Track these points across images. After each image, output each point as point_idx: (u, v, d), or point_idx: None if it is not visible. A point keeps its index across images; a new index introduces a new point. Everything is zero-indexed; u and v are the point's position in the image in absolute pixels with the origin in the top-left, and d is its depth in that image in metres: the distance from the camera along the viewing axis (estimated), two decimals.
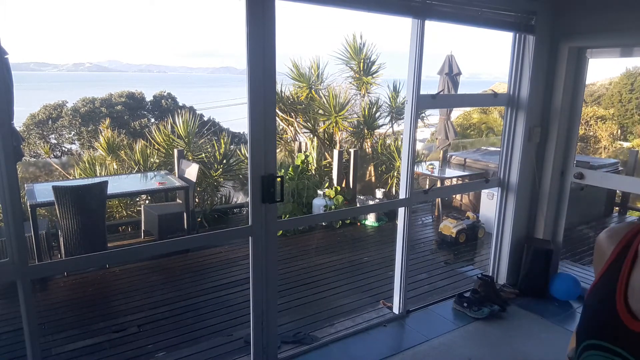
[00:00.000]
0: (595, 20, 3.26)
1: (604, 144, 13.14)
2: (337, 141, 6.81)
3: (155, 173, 5.83)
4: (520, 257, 3.87)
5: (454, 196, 6.71)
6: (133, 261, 4.52)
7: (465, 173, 6.45)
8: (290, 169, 6.06)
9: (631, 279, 0.69)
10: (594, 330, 0.71)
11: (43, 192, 4.38)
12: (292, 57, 6.76)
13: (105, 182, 4.22)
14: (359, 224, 5.94)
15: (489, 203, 5.53)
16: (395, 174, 6.49)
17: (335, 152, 6.33)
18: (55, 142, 13.65)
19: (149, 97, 15.72)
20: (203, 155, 6.33)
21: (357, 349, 3.11)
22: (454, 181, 6.35)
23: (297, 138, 7.09)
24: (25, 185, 4.79)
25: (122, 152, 6.37)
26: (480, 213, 5.74)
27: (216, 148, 6.46)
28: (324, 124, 6.70)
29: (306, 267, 4.59)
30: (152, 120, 14.56)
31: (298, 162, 6.26)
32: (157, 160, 6.35)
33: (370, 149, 6.96)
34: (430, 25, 2.95)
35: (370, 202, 5.93)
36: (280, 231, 5.00)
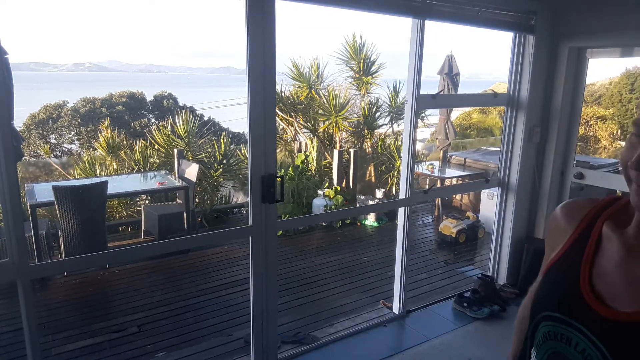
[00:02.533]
0: (595, 20, 3.26)
1: (604, 143, 13.11)
2: (337, 141, 6.80)
3: (155, 173, 5.84)
4: (520, 257, 3.87)
5: (454, 196, 6.71)
6: (133, 261, 4.52)
7: (465, 173, 6.45)
8: (290, 169, 6.06)
9: (596, 262, 0.70)
10: (553, 303, 0.73)
11: (43, 192, 4.38)
12: (292, 57, 6.77)
13: (105, 182, 4.22)
14: (359, 224, 5.94)
15: (489, 203, 5.52)
16: (395, 174, 6.48)
17: (335, 152, 6.33)
18: (55, 142, 13.64)
19: (149, 97, 15.72)
20: (203, 155, 6.33)
21: (357, 349, 3.11)
22: (454, 181, 6.35)
23: (297, 138, 7.09)
24: (25, 185, 4.79)
25: (122, 152, 6.37)
26: (480, 213, 5.73)
27: (216, 148, 6.46)
28: (324, 124, 6.70)
29: (306, 267, 4.59)
30: (153, 120, 14.56)
31: (298, 162, 6.26)
32: (157, 160, 6.35)
33: (370, 149, 6.96)
34: (430, 25, 2.96)
35: (370, 202, 5.93)
36: (280, 231, 5.01)
